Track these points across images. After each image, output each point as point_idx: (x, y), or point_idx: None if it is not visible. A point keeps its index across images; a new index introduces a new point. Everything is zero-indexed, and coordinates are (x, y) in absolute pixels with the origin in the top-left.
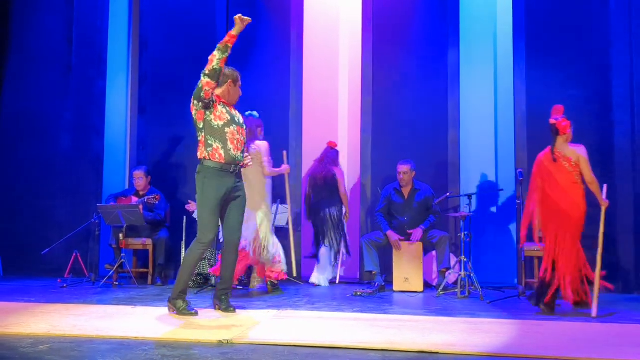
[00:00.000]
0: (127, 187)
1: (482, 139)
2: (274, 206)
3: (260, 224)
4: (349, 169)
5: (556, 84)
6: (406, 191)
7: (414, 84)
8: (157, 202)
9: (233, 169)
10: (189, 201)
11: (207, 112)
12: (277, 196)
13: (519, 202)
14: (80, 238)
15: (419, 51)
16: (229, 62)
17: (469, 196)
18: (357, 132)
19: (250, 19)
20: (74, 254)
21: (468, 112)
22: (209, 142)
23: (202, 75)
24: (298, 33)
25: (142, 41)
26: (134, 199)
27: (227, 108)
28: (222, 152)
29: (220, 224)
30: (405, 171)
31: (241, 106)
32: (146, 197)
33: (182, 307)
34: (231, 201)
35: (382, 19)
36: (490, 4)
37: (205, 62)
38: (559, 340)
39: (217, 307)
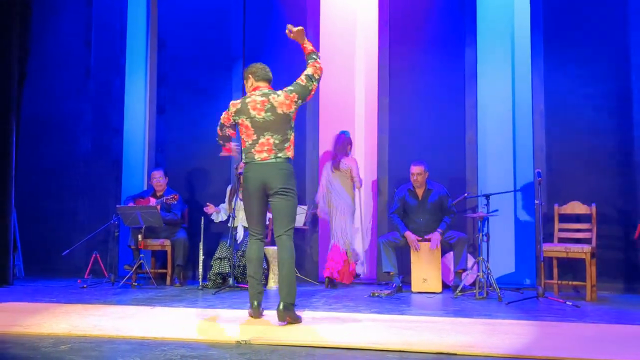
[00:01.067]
0: (145, 188)
1: (499, 139)
2: None
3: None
4: (366, 170)
5: (575, 82)
6: (420, 192)
7: (430, 84)
8: (175, 202)
9: None
10: (207, 204)
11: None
12: None
13: (537, 202)
14: (100, 239)
15: (436, 50)
16: (246, 61)
17: (487, 197)
18: (374, 132)
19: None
20: (94, 255)
21: (486, 111)
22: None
23: (313, 80)
24: (314, 34)
25: (160, 42)
26: (152, 200)
27: None
28: None
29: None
30: (418, 172)
31: None
32: (164, 198)
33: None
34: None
35: (399, 19)
36: (507, 1)
37: (221, 62)
38: (579, 342)
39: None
